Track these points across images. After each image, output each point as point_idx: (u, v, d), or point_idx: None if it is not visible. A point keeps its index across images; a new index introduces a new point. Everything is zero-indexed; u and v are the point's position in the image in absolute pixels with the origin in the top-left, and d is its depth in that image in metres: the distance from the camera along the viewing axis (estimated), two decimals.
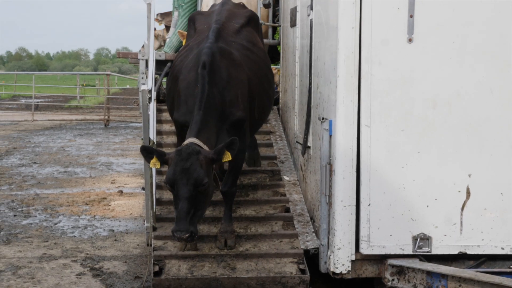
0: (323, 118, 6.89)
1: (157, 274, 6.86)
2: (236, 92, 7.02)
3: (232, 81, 7.02)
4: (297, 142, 8.59)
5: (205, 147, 6.43)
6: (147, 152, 6.47)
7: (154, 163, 6.42)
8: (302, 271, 6.90)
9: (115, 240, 8.87)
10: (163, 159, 6.41)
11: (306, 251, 7.15)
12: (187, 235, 6.07)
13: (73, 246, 8.57)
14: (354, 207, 6.68)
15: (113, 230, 9.31)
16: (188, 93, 6.94)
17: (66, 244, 8.66)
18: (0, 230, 9.25)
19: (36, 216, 10.09)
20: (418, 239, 6.64)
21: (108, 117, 23.66)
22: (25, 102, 31.27)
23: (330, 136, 6.78)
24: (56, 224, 9.64)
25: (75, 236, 9.02)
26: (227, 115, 6.88)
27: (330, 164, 6.76)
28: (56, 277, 7.42)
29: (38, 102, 29.37)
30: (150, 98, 7.40)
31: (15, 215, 10.13)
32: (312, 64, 7.67)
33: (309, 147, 7.82)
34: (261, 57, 7.89)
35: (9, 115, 25.53)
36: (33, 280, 7.32)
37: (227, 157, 6.35)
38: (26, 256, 8.12)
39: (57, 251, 8.35)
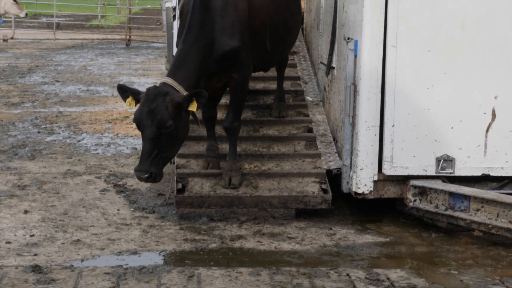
0: (348, 38, 6.82)
1: (180, 191, 6.93)
2: (231, 19, 6.75)
3: (228, 8, 6.75)
4: (321, 62, 8.52)
5: (179, 87, 6.37)
6: (123, 91, 6.49)
7: (130, 102, 6.45)
8: (324, 191, 6.94)
9: (138, 157, 8.92)
10: (138, 98, 6.42)
11: (329, 171, 7.18)
12: (146, 175, 6.18)
13: (96, 163, 8.66)
14: (378, 128, 6.66)
15: (135, 148, 9.37)
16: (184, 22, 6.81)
17: (90, 161, 8.74)
18: (24, 146, 9.34)
19: (59, 133, 10.17)
20: (442, 160, 6.64)
21: (130, 36, 23.55)
22: (46, 20, 31.14)
23: (355, 56, 6.72)
24: (79, 141, 9.72)
25: (98, 153, 9.10)
26: (219, 45, 6.68)
27: (354, 85, 6.72)
28: (80, 193, 7.51)
29: (59, 20, 29.23)
30: (174, 16, 7.35)
31: (38, 132, 10.21)
32: None
33: (333, 68, 7.75)
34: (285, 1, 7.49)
35: (30, 33, 25.45)
36: (58, 195, 7.42)
37: (194, 106, 6.30)
38: (51, 172, 8.21)
39: (81, 167, 8.44)
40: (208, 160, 7.10)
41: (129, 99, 6.45)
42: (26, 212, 6.89)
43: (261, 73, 8.46)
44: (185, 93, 6.37)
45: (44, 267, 5.57)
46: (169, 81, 6.41)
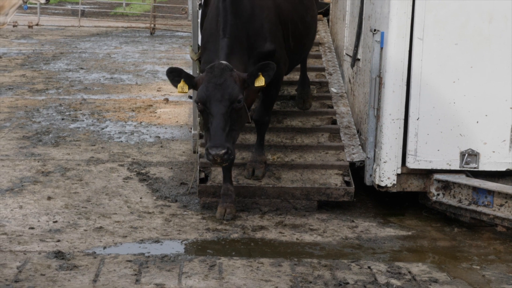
0: (374, 30, 6.78)
1: (202, 181, 6.94)
2: (261, 21, 6.52)
3: (256, 10, 6.50)
4: (346, 54, 8.49)
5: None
6: (175, 74, 6.15)
7: (182, 87, 6.11)
8: (347, 183, 6.91)
9: (161, 146, 8.95)
10: (192, 82, 6.12)
11: (352, 164, 7.15)
12: (223, 151, 5.76)
13: (119, 150, 8.68)
14: (402, 121, 6.63)
15: (159, 137, 9.39)
16: (212, 30, 6.51)
17: (113, 148, 8.77)
18: (48, 133, 9.39)
19: (83, 121, 10.21)
20: (466, 154, 6.59)
21: (154, 25, 23.57)
22: (71, 7, 31.27)
23: (381, 48, 6.68)
24: (103, 129, 9.75)
25: (121, 141, 9.12)
26: (255, 48, 6.43)
27: (380, 77, 6.69)
28: (104, 180, 7.54)
29: (84, 8, 29.33)
30: (200, 5, 7.34)
31: (63, 119, 10.26)
32: None
33: (358, 60, 7.71)
34: None
35: (55, 20, 25.55)
36: (81, 182, 7.45)
37: (261, 81, 6.02)
38: (74, 159, 8.25)
39: (104, 155, 8.47)
40: (225, 206, 6.54)
41: (181, 83, 6.10)
42: (49, 198, 6.93)
43: None
44: None
45: (66, 253, 5.60)
46: (225, 62, 6.10)
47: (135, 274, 5.26)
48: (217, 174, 6.98)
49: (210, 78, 5.94)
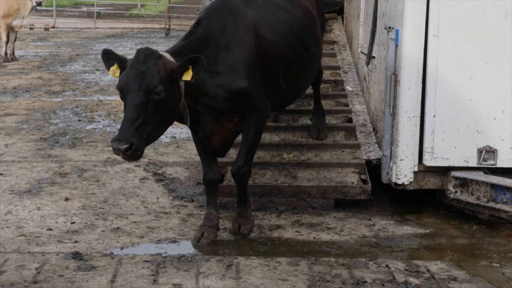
0: (389, 27, 6.75)
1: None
2: (237, 56, 5.85)
3: (232, 42, 5.87)
4: (361, 52, 8.47)
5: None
6: (109, 56, 5.55)
7: (114, 71, 5.52)
8: (364, 181, 6.90)
9: (177, 146, 8.97)
10: (124, 66, 5.47)
11: (368, 162, 7.13)
12: (125, 146, 5.13)
13: None
14: (419, 118, 6.60)
15: (175, 137, 9.41)
16: None
17: None
18: (65, 134, 9.43)
19: (99, 122, 10.25)
20: (483, 151, 6.55)
21: (169, 26, 23.63)
22: (87, 9, 31.41)
23: (396, 46, 6.65)
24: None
25: None
26: (224, 84, 5.77)
27: (395, 75, 6.66)
28: (120, 181, 7.56)
29: (99, 10, 29.46)
30: None
31: (79, 120, 10.30)
32: None
33: (373, 57, 7.69)
34: (297, 17, 6.58)
35: (71, 22, 25.71)
36: (98, 183, 7.48)
37: (188, 75, 5.36)
38: (91, 160, 8.28)
39: None
40: (203, 230, 6.06)
41: (114, 67, 5.51)
42: (67, 199, 6.96)
43: None
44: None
45: (84, 254, 5.62)
46: (167, 54, 5.58)
47: (153, 275, 5.27)
48: None
49: (133, 64, 5.37)
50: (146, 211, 6.73)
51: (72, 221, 6.41)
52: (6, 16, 16.23)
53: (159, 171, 7.92)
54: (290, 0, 6.64)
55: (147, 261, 5.50)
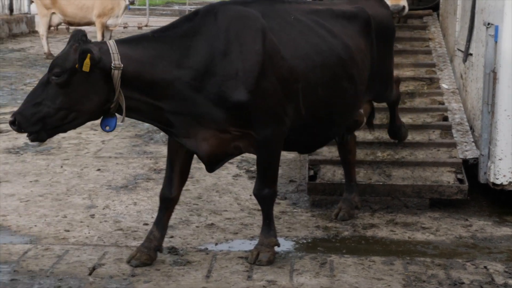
0: (488, 24, 6.59)
1: (311, 178, 6.92)
2: (235, 64, 5.16)
3: (231, 47, 5.19)
4: (457, 49, 8.29)
5: (115, 55, 4.98)
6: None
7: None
8: (460, 181, 6.75)
9: None
10: None
11: (465, 161, 6.98)
12: (10, 119, 4.96)
13: None
14: None
15: None
16: None
17: None
18: (159, 131, 9.55)
19: None
20: None
21: None
22: (178, 8, 31.83)
23: (496, 42, 6.49)
24: None
25: None
26: (221, 93, 5.14)
27: (494, 72, 6.50)
28: (214, 178, 7.63)
29: (191, 8, 29.79)
30: None
31: None
32: None
33: (471, 54, 7.52)
34: (335, 49, 5.67)
35: (163, 21, 26.06)
36: (192, 179, 7.57)
37: (86, 66, 4.86)
38: None
39: None
40: (137, 250, 5.47)
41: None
42: None
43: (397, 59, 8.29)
44: (116, 65, 4.96)
45: (180, 249, 5.70)
46: (111, 43, 5.09)
47: (247, 271, 5.30)
48: (326, 172, 6.96)
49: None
50: (240, 207, 6.77)
51: None
52: (101, 15, 16.62)
53: (251, 168, 7.96)
54: (331, 31, 5.74)
55: (241, 257, 5.54)
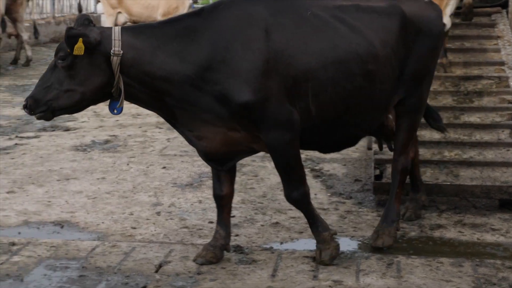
0: None
1: (377, 177, 6.86)
2: (240, 63, 5.05)
3: (234, 44, 5.09)
4: None
5: (117, 41, 5.00)
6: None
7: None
8: None
9: None
10: None
11: None
12: (24, 103, 5.12)
13: None
14: None
15: None
16: None
17: None
18: None
19: None
20: None
21: None
22: None
23: None
24: None
25: None
26: (227, 94, 5.04)
27: None
28: (277, 176, 7.52)
29: None
30: None
31: None
32: None
33: None
34: (353, 45, 5.31)
35: None
36: (256, 178, 7.57)
37: (80, 50, 4.94)
38: None
39: None
40: (203, 248, 5.53)
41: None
42: None
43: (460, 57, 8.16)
44: (115, 51, 5.00)
45: (245, 247, 5.70)
46: (116, 29, 5.11)
47: (313, 270, 5.27)
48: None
49: None
50: None
51: (232, 214, 6.47)
52: (166, 14, 16.75)
53: (316, 167, 7.92)
54: (353, 27, 5.39)
55: (306, 257, 5.51)
